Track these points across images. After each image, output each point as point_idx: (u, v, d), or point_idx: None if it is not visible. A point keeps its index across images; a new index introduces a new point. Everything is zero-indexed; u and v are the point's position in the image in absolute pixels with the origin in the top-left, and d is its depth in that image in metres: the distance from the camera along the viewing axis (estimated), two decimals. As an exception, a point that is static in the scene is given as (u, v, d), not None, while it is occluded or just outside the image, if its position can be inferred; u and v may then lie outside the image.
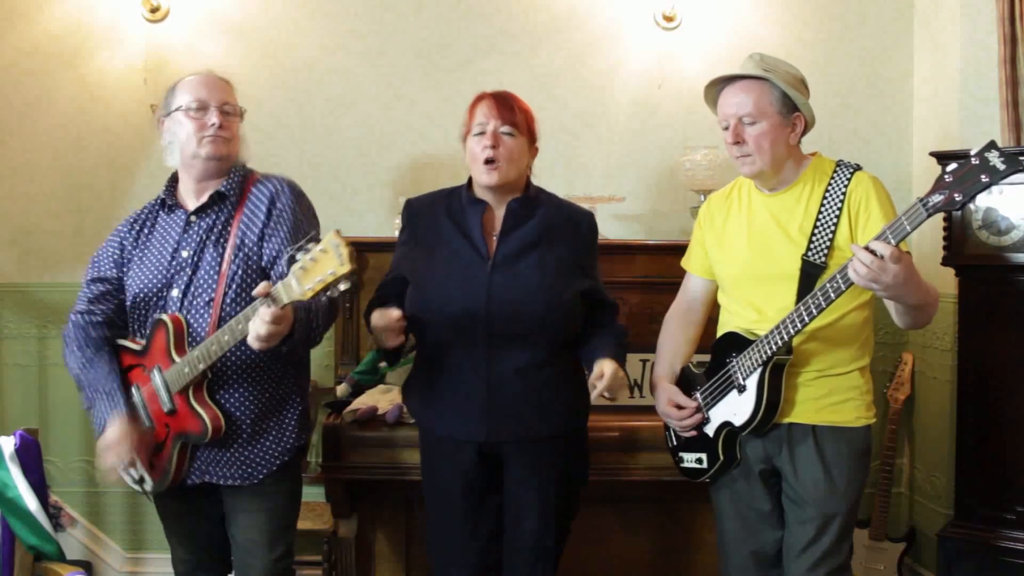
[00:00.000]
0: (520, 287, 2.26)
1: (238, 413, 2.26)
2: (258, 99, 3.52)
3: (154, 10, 3.51)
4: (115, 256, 2.38)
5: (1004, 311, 2.88)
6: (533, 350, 2.27)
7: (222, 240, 2.28)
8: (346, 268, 1.85)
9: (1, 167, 3.60)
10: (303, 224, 2.31)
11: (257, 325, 2.00)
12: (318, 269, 1.89)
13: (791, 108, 2.24)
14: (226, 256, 2.26)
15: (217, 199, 2.32)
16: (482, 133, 2.30)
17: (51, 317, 3.59)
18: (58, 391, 3.61)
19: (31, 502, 2.42)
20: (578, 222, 2.40)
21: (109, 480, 2.30)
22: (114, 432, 2.20)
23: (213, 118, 2.29)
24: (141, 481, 2.32)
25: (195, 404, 2.18)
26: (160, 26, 3.53)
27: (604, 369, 2.19)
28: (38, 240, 3.61)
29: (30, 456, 2.48)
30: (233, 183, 2.34)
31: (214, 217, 2.31)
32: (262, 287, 1.99)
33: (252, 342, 2.02)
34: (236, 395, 2.26)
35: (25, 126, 3.58)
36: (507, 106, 2.32)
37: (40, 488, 2.48)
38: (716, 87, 2.31)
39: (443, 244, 2.34)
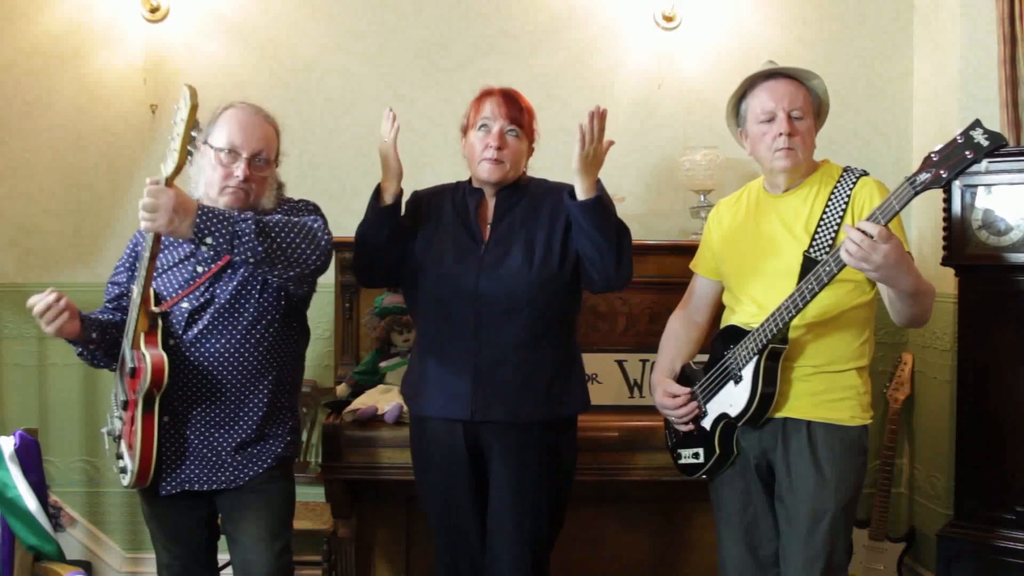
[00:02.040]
0: (509, 266, 2.30)
1: (224, 422, 2.26)
2: (258, 99, 3.46)
3: (154, 10, 3.51)
4: (128, 263, 2.38)
5: (1004, 311, 2.88)
6: (523, 330, 2.29)
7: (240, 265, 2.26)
8: (189, 104, 1.82)
9: (1, 167, 3.60)
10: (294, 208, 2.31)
11: (142, 202, 1.96)
12: (177, 127, 1.88)
13: (817, 113, 2.33)
14: (238, 275, 2.25)
15: None
16: (486, 128, 2.32)
17: (51, 317, 3.59)
18: (58, 391, 3.61)
19: (31, 502, 2.42)
20: (562, 194, 2.34)
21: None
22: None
23: (239, 170, 2.20)
24: (123, 472, 2.31)
25: (144, 348, 2.13)
26: (160, 26, 3.53)
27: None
28: (38, 240, 3.61)
29: (30, 456, 2.48)
30: None
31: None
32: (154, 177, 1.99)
33: (141, 221, 1.99)
34: (226, 406, 2.26)
35: (25, 126, 3.58)
36: (515, 105, 2.34)
37: (40, 488, 2.48)
38: (751, 81, 2.33)
39: (442, 230, 2.39)
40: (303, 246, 2.14)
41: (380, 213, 2.34)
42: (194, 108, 1.86)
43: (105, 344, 2.29)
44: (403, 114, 3.53)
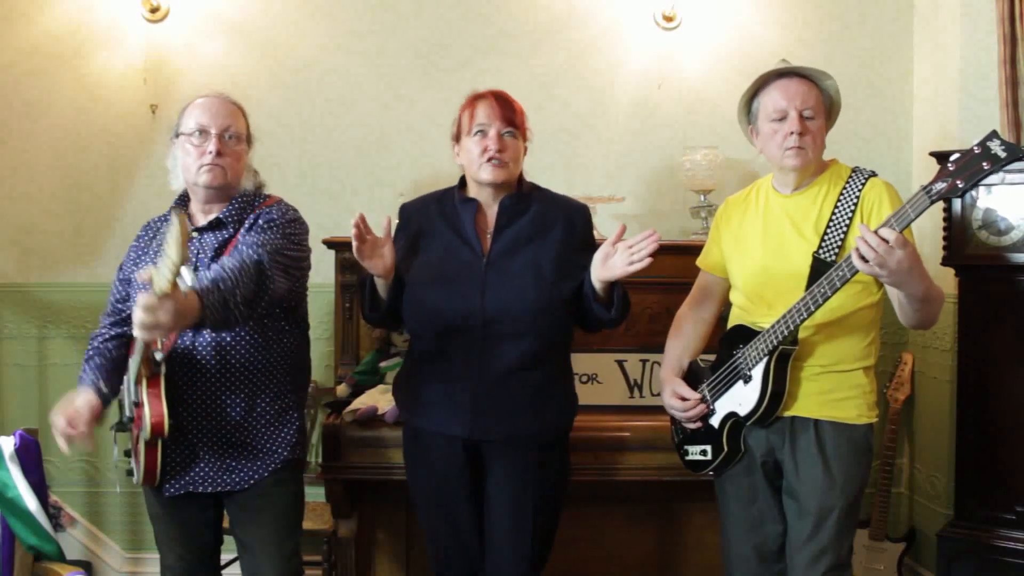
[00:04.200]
0: (514, 285, 2.26)
1: (228, 423, 2.25)
2: (258, 99, 3.52)
3: (154, 10, 3.51)
4: (135, 261, 2.38)
5: (1004, 311, 2.88)
6: (526, 349, 2.27)
7: (217, 257, 2.25)
8: (176, 258, 1.75)
9: (1, 167, 3.60)
10: (269, 228, 2.25)
11: (135, 314, 1.89)
12: (167, 259, 1.79)
13: (828, 114, 2.35)
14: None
15: (216, 225, 2.29)
16: (482, 132, 2.30)
17: (51, 317, 3.60)
18: (58, 391, 3.56)
19: (31, 502, 2.43)
20: (572, 217, 2.39)
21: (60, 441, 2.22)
22: (66, 399, 2.24)
23: (211, 145, 2.24)
24: (131, 474, 2.32)
25: (145, 397, 2.14)
26: (160, 26, 3.53)
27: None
28: (38, 240, 3.61)
29: (30, 456, 2.48)
30: (233, 210, 2.30)
31: (214, 237, 2.28)
32: (144, 272, 1.91)
33: (139, 333, 1.93)
34: (227, 407, 2.25)
35: (25, 126, 3.58)
36: (508, 106, 2.32)
37: (40, 488, 2.48)
38: (764, 80, 2.33)
39: (437, 243, 2.34)
40: (250, 287, 2.12)
41: (381, 306, 2.34)
42: (185, 237, 1.77)
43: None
44: (403, 114, 3.59)
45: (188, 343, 2.24)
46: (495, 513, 2.35)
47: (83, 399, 2.24)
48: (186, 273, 1.84)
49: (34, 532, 2.44)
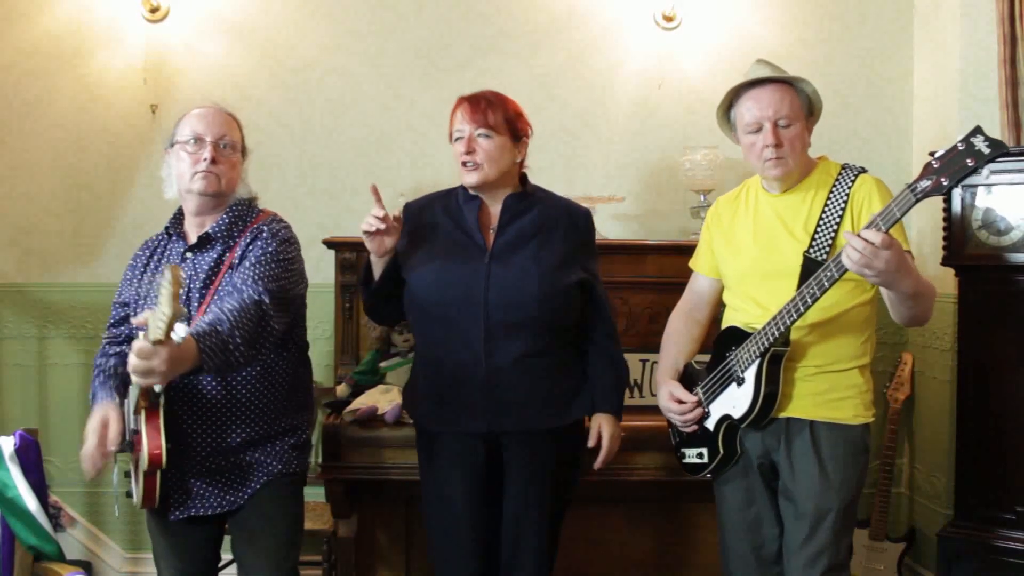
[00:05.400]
0: (517, 276, 2.29)
1: (227, 450, 2.24)
2: (258, 99, 3.52)
3: (154, 10, 3.51)
4: (131, 281, 2.36)
5: (1004, 311, 2.88)
6: (532, 339, 2.28)
7: (210, 280, 2.23)
8: (169, 311, 1.75)
9: (1, 167, 3.60)
10: (268, 261, 2.22)
11: (130, 359, 1.89)
12: (160, 312, 1.78)
13: (809, 112, 2.31)
14: (207, 298, 2.21)
15: (206, 240, 2.27)
16: (459, 138, 2.35)
17: (51, 317, 3.59)
18: (58, 391, 3.61)
19: (31, 502, 2.43)
20: (575, 218, 2.42)
21: (87, 469, 2.21)
22: (91, 419, 2.21)
23: (206, 153, 2.24)
24: (130, 495, 2.31)
25: (144, 428, 2.11)
26: (160, 26, 3.53)
27: (602, 431, 2.40)
28: (38, 240, 3.61)
29: (30, 456, 2.49)
30: (222, 225, 2.27)
31: (206, 255, 2.26)
32: (141, 317, 1.92)
33: (134, 378, 1.93)
34: (230, 436, 2.23)
35: (25, 126, 3.58)
36: (479, 109, 2.34)
37: (40, 488, 2.48)
38: (736, 91, 2.32)
39: (440, 239, 2.37)
40: (251, 328, 2.10)
41: (377, 289, 2.38)
42: (177, 290, 1.76)
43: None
44: (403, 114, 3.59)
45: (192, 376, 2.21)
46: (514, 508, 2.34)
47: (112, 413, 2.21)
48: (179, 327, 1.81)
49: (34, 532, 2.44)
